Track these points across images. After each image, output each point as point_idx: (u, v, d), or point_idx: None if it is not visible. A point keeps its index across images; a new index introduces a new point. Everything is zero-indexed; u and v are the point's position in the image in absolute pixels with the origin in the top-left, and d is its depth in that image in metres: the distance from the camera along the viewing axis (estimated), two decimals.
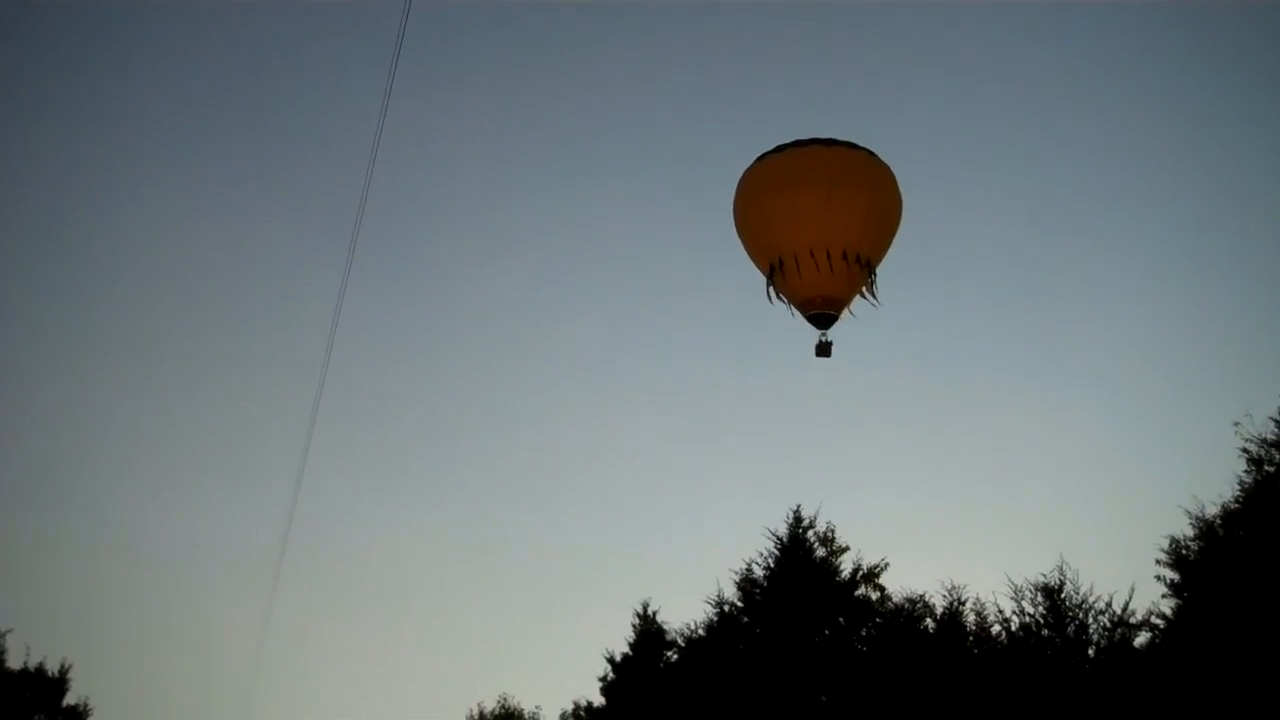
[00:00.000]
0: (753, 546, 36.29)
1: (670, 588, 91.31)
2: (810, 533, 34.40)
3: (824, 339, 20.87)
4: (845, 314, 21.05)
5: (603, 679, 40.99)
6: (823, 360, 20.79)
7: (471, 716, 53.17)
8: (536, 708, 53.00)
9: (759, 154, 21.20)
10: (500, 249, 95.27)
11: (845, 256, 20.24)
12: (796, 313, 21.23)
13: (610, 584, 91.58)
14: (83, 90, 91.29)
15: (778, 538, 34.55)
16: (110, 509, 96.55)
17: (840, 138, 20.83)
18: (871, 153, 20.90)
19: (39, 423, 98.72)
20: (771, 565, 34.30)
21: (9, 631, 40.92)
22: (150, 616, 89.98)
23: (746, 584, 34.53)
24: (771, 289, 21.05)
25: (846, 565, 33.79)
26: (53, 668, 45.73)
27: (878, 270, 21.00)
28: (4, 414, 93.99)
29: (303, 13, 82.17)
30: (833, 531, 34.48)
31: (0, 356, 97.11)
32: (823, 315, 20.76)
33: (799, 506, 34.90)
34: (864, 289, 20.94)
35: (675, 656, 38.30)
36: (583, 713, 44.23)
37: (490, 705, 53.28)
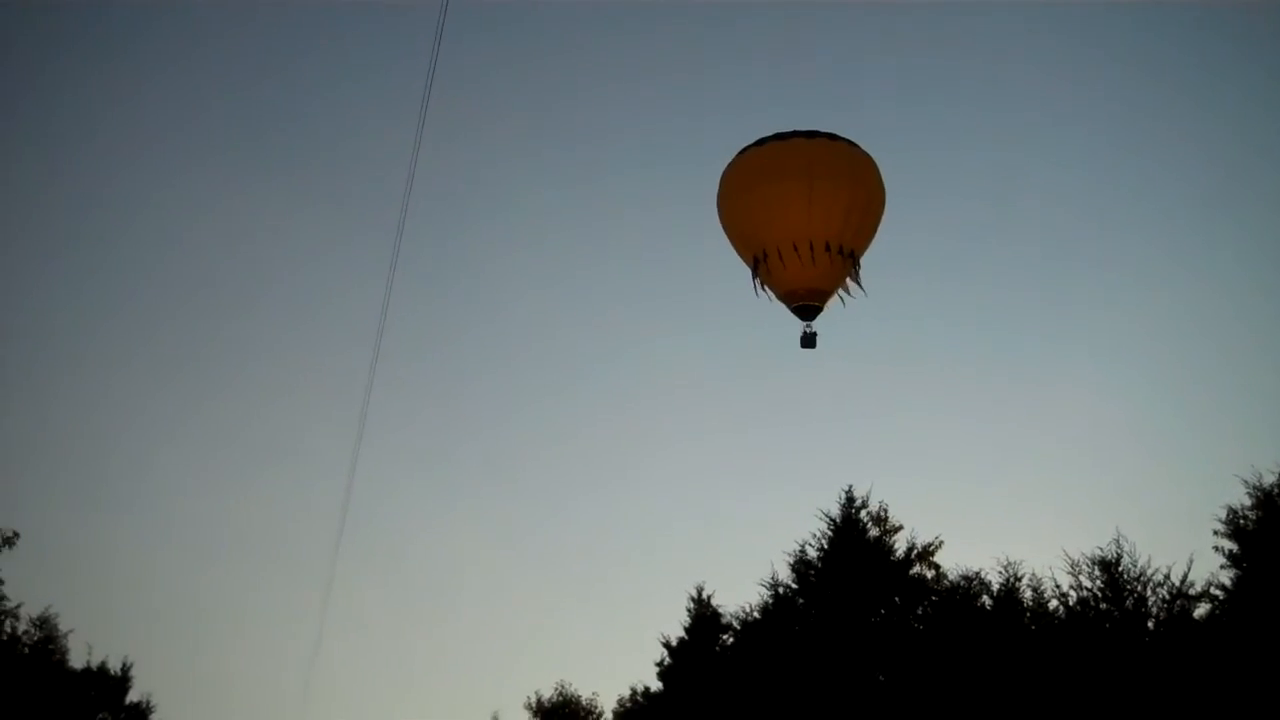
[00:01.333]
0: (805, 528, 36.25)
1: (724, 572, 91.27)
2: (863, 513, 34.27)
3: (808, 330, 21.00)
4: (830, 306, 21.17)
5: (659, 664, 41.02)
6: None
7: (529, 705, 53.38)
8: (594, 694, 53.21)
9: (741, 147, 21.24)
10: (545, 235, 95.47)
11: (828, 248, 20.39)
12: (782, 305, 21.48)
13: (664, 569, 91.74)
14: (127, 82, 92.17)
15: (830, 518, 34.46)
16: (165, 507, 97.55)
17: (822, 129, 20.87)
18: (853, 143, 20.99)
19: (93, 423, 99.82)
20: (825, 546, 34.19)
21: (70, 632, 41.29)
22: (207, 612, 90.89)
23: (801, 565, 34.44)
24: (756, 282, 21.19)
25: (900, 544, 33.63)
26: (114, 666, 46.23)
27: (862, 261, 21.10)
28: (58, 416, 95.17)
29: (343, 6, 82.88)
30: (885, 511, 34.34)
31: (54, 359, 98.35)
32: (807, 307, 20.95)
33: (850, 487, 34.80)
34: (848, 280, 21.06)
35: (731, 640, 38.27)
36: (640, 698, 44.31)
37: (548, 693, 53.53)
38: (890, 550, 33.43)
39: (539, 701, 53.14)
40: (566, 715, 52.45)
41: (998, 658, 28.42)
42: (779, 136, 20.72)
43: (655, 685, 41.89)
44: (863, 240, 21.17)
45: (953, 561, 33.81)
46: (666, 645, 40.84)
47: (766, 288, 21.14)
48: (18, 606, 29.10)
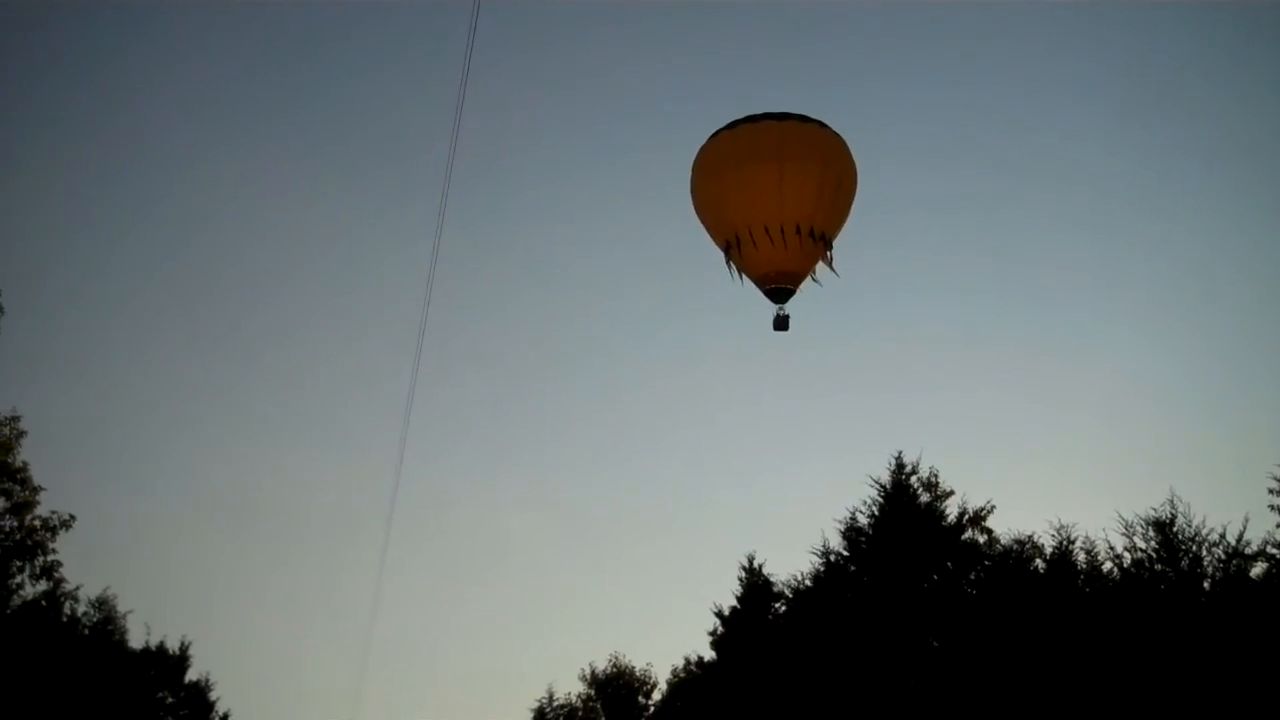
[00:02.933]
0: (855, 495, 36.17)
1: (774, 541, 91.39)
2: (914, 478, 34.11)
3: (781, 313, 21.14)
4: (803, 288, 21.32)
5: (712, 633, 41.09)
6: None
7: (583, 676, 53.59)
8: (648, 665, 53.35)
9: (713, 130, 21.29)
10: (592, 209, 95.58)
11: (799, 231, 20.50)
12: (754, 287, 21.49)
13: (715, 540, 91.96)
14: (165, 63, 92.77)
15: (881, 485, 34.28)
16: (217, 489, 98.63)
17: (793, 111, 20.94)
18: (823, 124, 21.06)
19: (149, 411, 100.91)
20: (876, 513, 34.03)
21: (129, 613, 41.75)
22: (261, 590, 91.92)
23: (852, 532, 34.32)
24: (731, 266, 21.33)
25: (952, 509, 33.42)
26: (173, 646, 46.77)
27: (834, 242, 21.28)
28: (112, 401, 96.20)
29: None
30: (936, 476, 34.13)
31: (109, 349, 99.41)
32: (780, 290, 21.09)
33: (900, 453, 34.61)
34: (821, 262, 21.20)
35: (783, 608, 38.27)
36: (694, 667, 44.42)
37: (602, 665, 53.70)
38: (942, 516, 33.25)
39: (593, 673, 53.37)
40: (621, 686, 52.65)
41: (1052, 621, 28.29)
42: (750, 119, 20.81)
43: (709, 655, 42.02)
44: (834, 222, 21.32)
45: (1005, 526, 33.70)
46: (719, 615, 40.91)
47: (741, 272, 21.24)
48: (77, 588, 29.39)
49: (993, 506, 33.44)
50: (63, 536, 26.69)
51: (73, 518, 26.83)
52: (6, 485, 26.14)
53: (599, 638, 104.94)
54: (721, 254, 21.53)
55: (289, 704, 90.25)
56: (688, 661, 46.05)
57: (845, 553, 34.43)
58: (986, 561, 32.10)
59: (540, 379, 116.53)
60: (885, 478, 34.29)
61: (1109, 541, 29.76)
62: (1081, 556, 30.39)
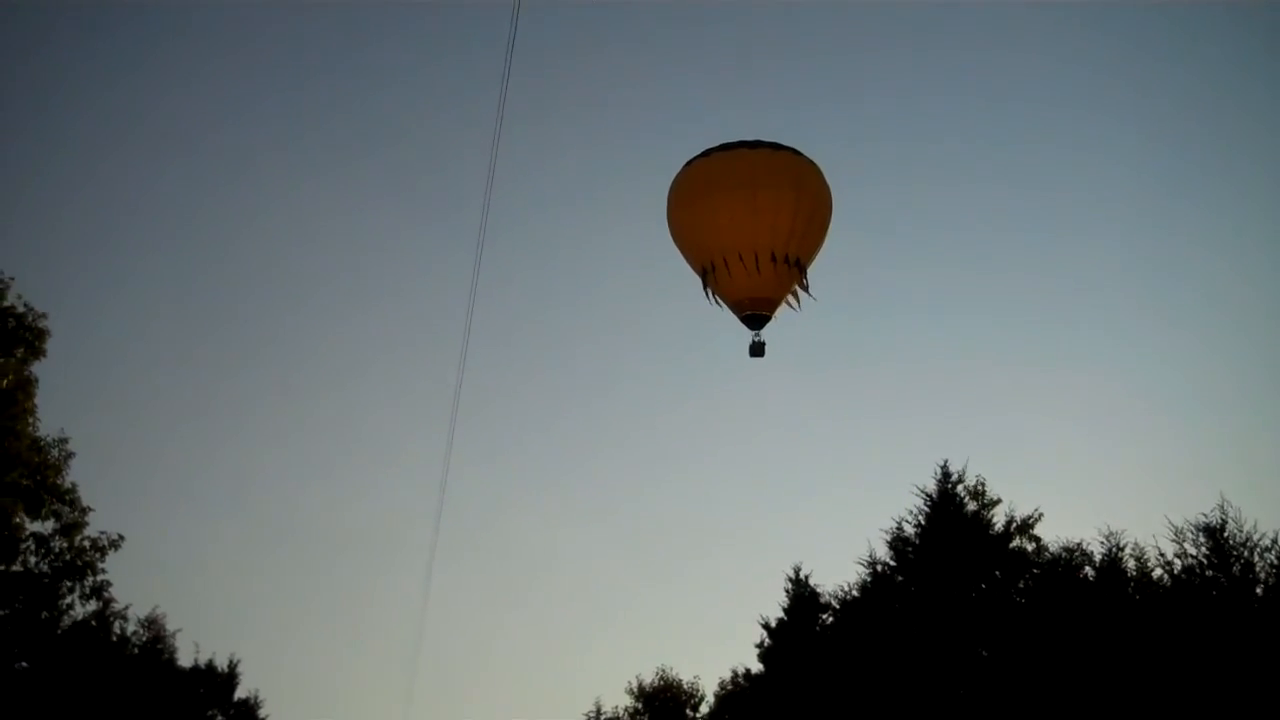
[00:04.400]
0: (901, 505, 36.04)
1: (819, 552, 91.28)
2: (960, 487, 33.93)
3: (757, 339, 21.39)
4: (779, 314, 21.61)
5: (759, 645, 40.99)
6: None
7: (630, 689, 53.51)
8: (695, 678, 53.21)
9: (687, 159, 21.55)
10: (629, 219, 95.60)
11: (774, 258, 20.72)
12: (731, 314, 21.60)
13: (760, 552, 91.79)
14: (230, 87, 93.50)
15: (927, 494, 34.12)
16: (265, 507, 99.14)
17: (765, 139, 21.22)
18: (796, 151, 21.27)
19: (193, 428, 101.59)
20: (922, 522, 33.87)
21: (178, 631, 41.96)
22: (307, 607, 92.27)
23: (898, 542, 34.18)
24: (708, 291, 21.56)
25: (999, 518, 33.21)
26: (222, 664, 46.95)
27: (809, 268, 21.54)
28: (157, 422, 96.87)
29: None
30: (983, 485, 33.93)
31: (151, 367, 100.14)
32: (755, 316, 21.34)
33: (946, 462, 34.45)
34: (797, 288, 21.41)
35: (830, 619, 38.13)
36: (741, 680, 44.27)
37: (649, 678, 53.60)
38: (989, 524, 33.04)
39: (640, 686, 53.28)
40: (668, 699, 52.53)
41: (1102, 629, 28.06)
42: (724, 147, 21.06)
43: (756, 667, 41.91)
44: (809, 248, 21.50)
45: (1053, 534, 33.44)
46: (766, 626, 40.81)
47: (717, 297, 21.42)
48: (126, 608, 29.65)
49: (1040, 514, 33.21)
50: (111, 556, 26.88)
51: (121, 538, 27.06)
52: (56, 507, 26.33)
53: (645, 651, 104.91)
54: (699, 280, 21.82)
55: (336, 716, 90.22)
56: (735, 674, 45.92)
57: (892, 563, 34.31)
58: (1035, 570, 31.83)
59: (587, 391, 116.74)
60: (931, 487, 34.17)
61: (1159, 548, 29.51)
62: (1131, 563, 30.13)
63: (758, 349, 21.31)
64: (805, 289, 21.41)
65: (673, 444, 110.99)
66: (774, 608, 40.85)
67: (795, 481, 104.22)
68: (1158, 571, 29.21)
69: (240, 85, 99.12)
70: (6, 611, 25.63)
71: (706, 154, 21.19)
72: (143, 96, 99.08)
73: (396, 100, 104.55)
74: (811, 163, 21.35)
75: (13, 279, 26.27)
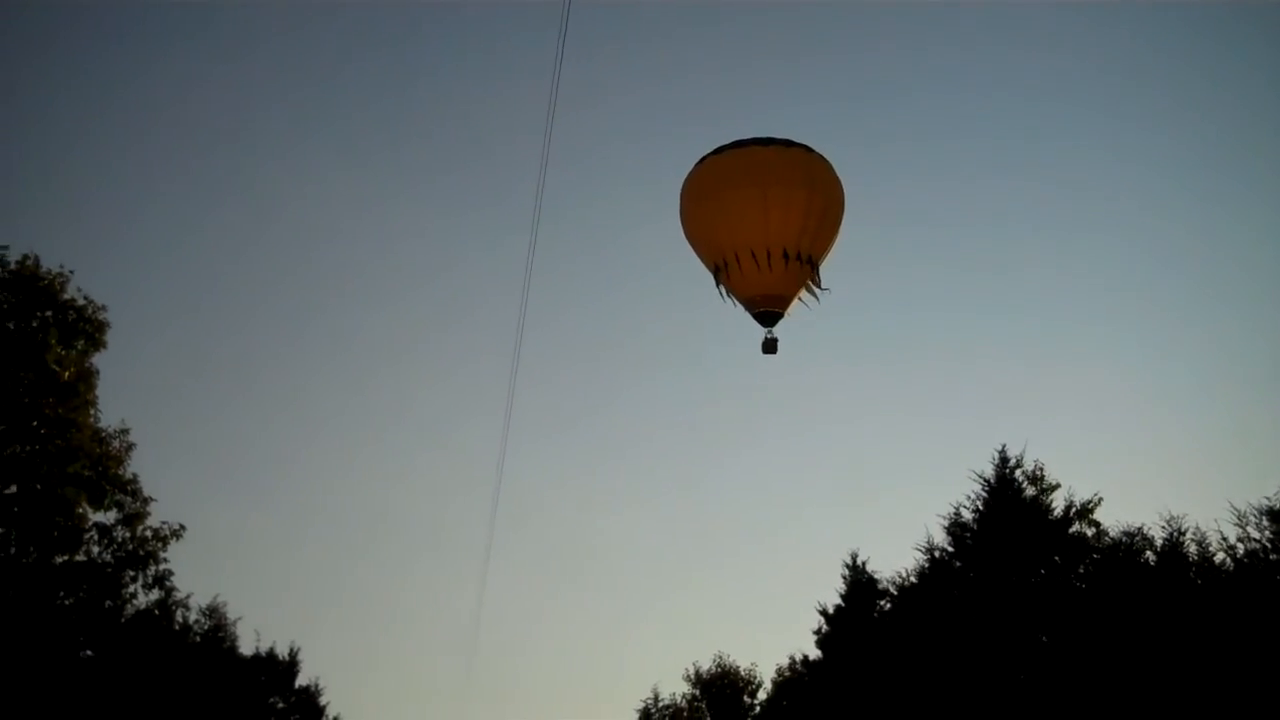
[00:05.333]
0: (958, 491, 35.86)
1: (875, 539, 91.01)
2: (1018, 472, 33.67)
3: (769, 336, 21.44)
4: (792, 311, 21.56)
5: (816, 632, 40.90)
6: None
7: (688, 676, 53.55)
8: (753, 665, 53.19)
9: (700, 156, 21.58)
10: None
11: (785, 255, 20.74)
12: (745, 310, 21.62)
13: (815, 540, 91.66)
14: (285, 86, 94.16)
15: (984, 479, 33.88)
16: (318, 496, 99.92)
17: (778, 136, 21.20)
18: (809, 148, 21.25)
19: (255, 419, 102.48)
20: (980, 508, 33.67)
21: (239, 619, 42.33)
22: (364, 595, 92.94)
23: (956, 528, 33.98)
24: (721, 289, 21.60)
25: (1058, 503, 32.90)
26: (282, 652, 47.33)
27: (821, 265, 21.49)
28: (216, 413, 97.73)
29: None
30: (1041, 469, 33.59)
31: (215, 360, 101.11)
32: (768, 313, 21.35)
33: (1004, 446, 34.18)
34: (808, 285, 21.39)
35: (888, 606, 38.01)
36: (799, 666, 44.21)
37: (706, 665, 53.61)
38: (1048, 509, 32.74)
39: (698, 673, 53.32)
40: (725, 686, 52.55)
41: (1164, 613, 27.81)
42: (736, 144, 21.09)
43: (814, 654, 41.82)
44: (821, 245, 21.46)
45: (1113, 519, 33.13)
46: (824, 613, 40.70)
47: (730, 294, 21.52)
48: (188, 597, 29.92)
49: (1100, 499, 32.83)
50: (173, 547, 27.12)
51: (182, 527, 27.26)
52: (118, 497, 26.56)
53: (702, 638, 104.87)
54: (711, 277, 21.88)
55: (394, 705, 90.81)
56: (792, 660, 45.88)
57: (950, 548, 34.13)
58: (1095, 555, 31.55)
59: (643, 376, 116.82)
60: (989, 473, 33.92)
61: (1220, 532, 29.18)
62: (1193, 548, 29.83)
63: (770, 346, 21.41)
64: (818, 285, 21.44)
65: (727, 430, 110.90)
66: (831, 595, 40.82)
67: (850, 469, 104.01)
68: (1220, 556, 28.93)
69: (286, 77, 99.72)
70: (71, 601, 25.92)
71: (718, 151, 21.27)
72: (191, 88, 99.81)
73: (444, 88, 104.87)
74: (823, 159, 21.38)
75: (72, 272, 26.53)
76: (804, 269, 21.09)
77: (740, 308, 21.64)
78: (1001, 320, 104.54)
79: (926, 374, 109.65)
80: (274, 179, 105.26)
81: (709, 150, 21.53)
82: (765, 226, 20.62)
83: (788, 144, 21.09)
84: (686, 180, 21.84)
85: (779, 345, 21.45)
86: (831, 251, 21.80)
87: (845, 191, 21.83)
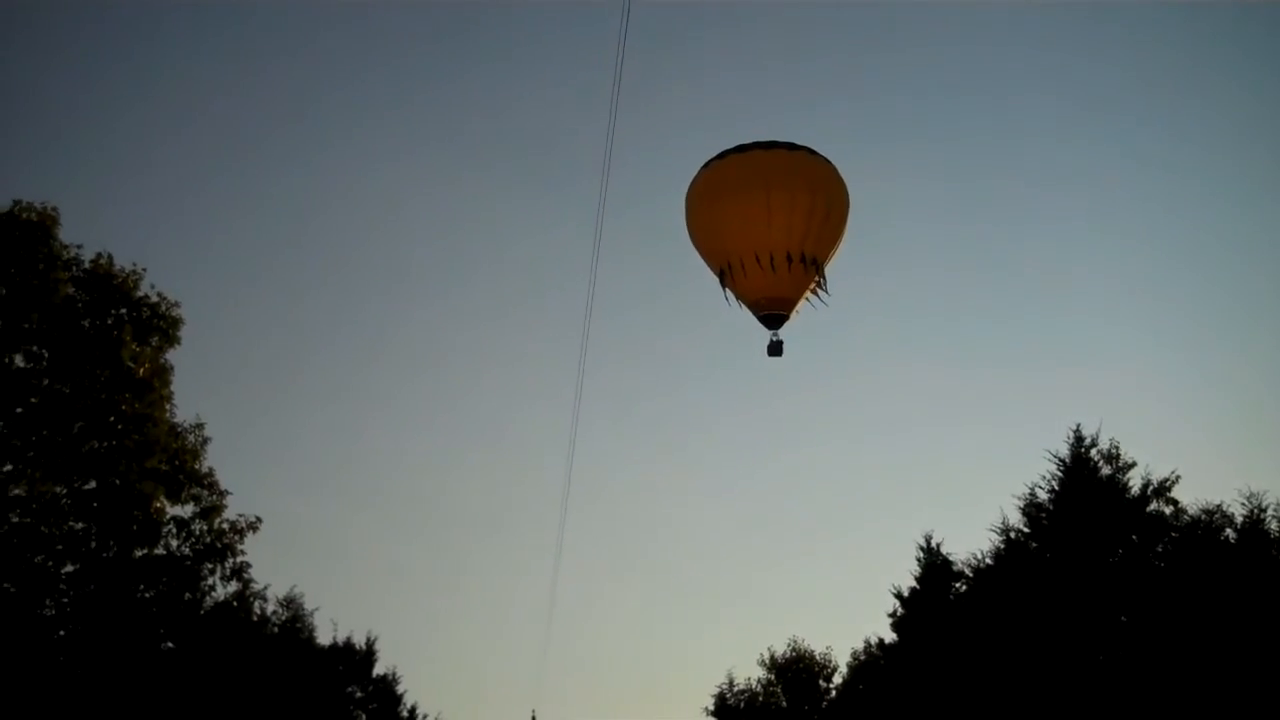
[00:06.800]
0: (1032, 471, 35.59)
1: (949, 520, 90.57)
2: (1094, 451, 33.32)
3: (775, 338, 21.56)
4: (797, 314, 21.67)
5: (892, 614, 40.70)
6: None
7: (762, 660, 53.49)
8: (827, 648, 53.04)
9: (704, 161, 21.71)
10: None
11: (789, 258, 20.85)
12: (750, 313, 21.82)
13: (888, 523, 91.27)
14: (340, 83, 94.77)
15: (1059, 459, 33.61)
16: (394, 490, 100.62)
17: (781, 139, 21.32)
18: (812, 151, 21.33)
19: (319, 413, 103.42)
20: (1056, 488, 33.39)
21: (315, 610, 42.63)
22: (435, 586, 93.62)
23: (1031, 509, 33.73)
24: (726, 291, 21.73)
25: (1135, 481, 32.52)
26: (359, 641, 47.65)
27: (827, 267, 21.58)
28: (287, 407, 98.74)
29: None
30: (1117, 448, 33.22)
31: (288, 359, 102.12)
32: (773, 316, 21.50)
33: (1079, 426, 33.85)
34: (813, 287, 21.52)
35: (964, 588, 37.78)
36: (875, 649, 44.02)
37: (780, 649, 53.53)
38: (1125, 488, 32.39)
39: (772, 658, 53.24)
40: (801, 670, 52.44)
41: (1245, 590, 27.49)
42: (739, 148, 21.18)
43: (889, 636, 41.64)
44: (825, 248, 21.55)
45: (1191, 497, 32.72)
46: (898, 596, 40.51)
47: (735, 297, 21.71)
48: (265, 588, 30.14)
49: (1178, 476, 32.41)
50: (250, 539, 27.37)
51: (259, 520, 27.51)
52: (195, 491, 26.84)
53: (775, 623, 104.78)
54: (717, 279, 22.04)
55: (468, 694, 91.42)
56: (868, 644, 45.63)
57: (1026, 529, 33.87)
58: (1174, 533, 31.19)
59: (716, 363, 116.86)
60: (1064, 452, 33.61)
61: None
62: (1274, 524, 29.46)
63: (775, 348, 21.56)
64: (823, 288, 21.53)
65: (798, 415, 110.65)
66: (905, 577, 40.61)
67: (921, 450, 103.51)
68: None
69: (344, 64, 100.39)
70: (151, 594, 26.21)
71: (722, 156, 21.41)
72: (246, 74, 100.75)
73: (501, 75, 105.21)
74: (827, 162, 21.50)
75: (145, 269, 26.80)
76: (809, 271, 21.22)
77: (746, 310, 21.81)
78: (1068, 306, 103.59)
79: (1001, 350, 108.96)
80: (329, 168, 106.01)
81: (712, 155, 21.72)
82: (769, 230, 20.80)
83: (791, 147, 21.25)
84: (691, 185, 22.04)
85: (784, 348, 21.64)
86: (837, 254, 21.98)
87: (851, 194, 21.99)
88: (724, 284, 21.70)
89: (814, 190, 21.00)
